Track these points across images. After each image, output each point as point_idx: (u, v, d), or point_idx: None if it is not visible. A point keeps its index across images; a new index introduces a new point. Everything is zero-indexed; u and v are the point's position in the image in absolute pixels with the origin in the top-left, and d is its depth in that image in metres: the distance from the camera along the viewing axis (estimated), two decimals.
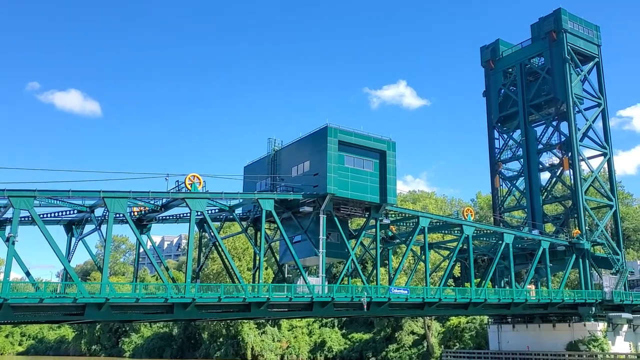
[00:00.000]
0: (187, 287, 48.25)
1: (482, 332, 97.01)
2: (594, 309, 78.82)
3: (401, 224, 73.05)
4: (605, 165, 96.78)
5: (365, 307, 57.82)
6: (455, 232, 76.20)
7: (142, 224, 59.02)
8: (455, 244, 74.40)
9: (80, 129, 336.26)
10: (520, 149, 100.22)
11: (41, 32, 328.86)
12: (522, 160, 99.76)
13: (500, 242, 73.51)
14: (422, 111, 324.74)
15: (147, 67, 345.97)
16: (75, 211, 54.02)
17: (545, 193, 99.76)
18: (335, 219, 60.10)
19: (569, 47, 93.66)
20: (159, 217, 61.00)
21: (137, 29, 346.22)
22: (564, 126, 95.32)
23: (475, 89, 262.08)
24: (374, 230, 65.73)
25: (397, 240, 77.15)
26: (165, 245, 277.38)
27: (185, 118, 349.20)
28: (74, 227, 57.13)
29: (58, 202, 49.98)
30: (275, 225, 68.68)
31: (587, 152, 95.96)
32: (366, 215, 64.11)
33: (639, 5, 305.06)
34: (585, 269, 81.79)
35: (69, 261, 53.41)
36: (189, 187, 52.18)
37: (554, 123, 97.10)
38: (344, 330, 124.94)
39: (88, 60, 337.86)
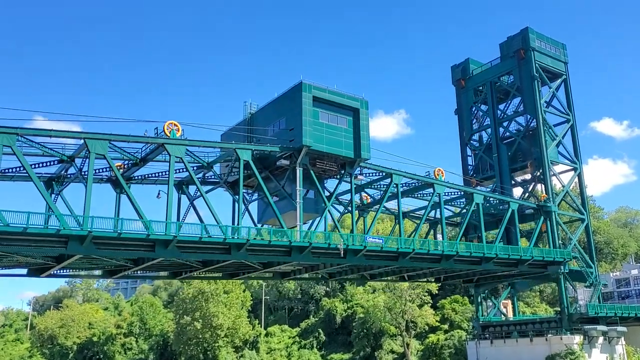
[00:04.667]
0: (169, 225, 49.62)
1: (461, 348, 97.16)
2: (562, 268, 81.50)
3: (375, 185, 75.39)
4: (576, 180, 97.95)
5: (342, 253, 59.81)
6: (428, 196, 78.54)
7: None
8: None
9: None
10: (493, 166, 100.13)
11: None
12: (494, 177, 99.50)
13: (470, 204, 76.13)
14: (395, 128, 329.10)
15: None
16: (56, 162, 55.04)
17: None
18: (312, 172, 62.14)
19: (537, 65, 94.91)
20: (137, 176, 62.29)
21: None
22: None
23: (448, 107, 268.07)
24: (349, 196, 67.85)
25: (375, 206, 79.00)
26: None
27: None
28: (54, 183, 58.11)
29: (40, 146, 51.21)
30: (252, 189, 70.61)
31: (558, 168, 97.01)
32: (341, 173, 66.32)
33: (601, 24, 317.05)
34: (552, 230, 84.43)
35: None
36: (168, 134, 53.58)
37: (525, 139, 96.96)
38: (323, 352, 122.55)
39: None
